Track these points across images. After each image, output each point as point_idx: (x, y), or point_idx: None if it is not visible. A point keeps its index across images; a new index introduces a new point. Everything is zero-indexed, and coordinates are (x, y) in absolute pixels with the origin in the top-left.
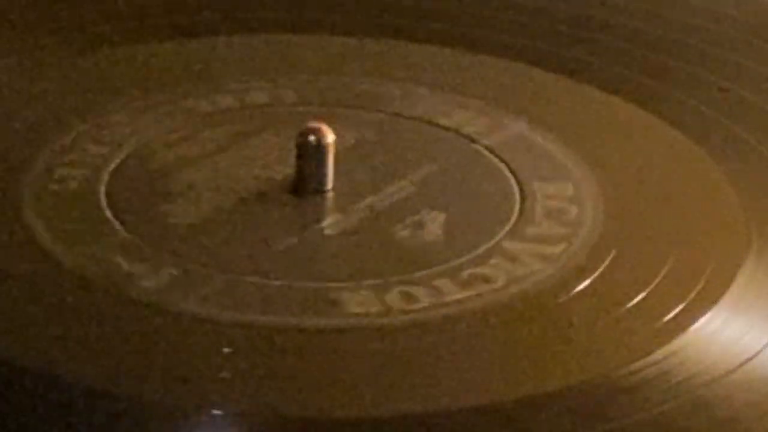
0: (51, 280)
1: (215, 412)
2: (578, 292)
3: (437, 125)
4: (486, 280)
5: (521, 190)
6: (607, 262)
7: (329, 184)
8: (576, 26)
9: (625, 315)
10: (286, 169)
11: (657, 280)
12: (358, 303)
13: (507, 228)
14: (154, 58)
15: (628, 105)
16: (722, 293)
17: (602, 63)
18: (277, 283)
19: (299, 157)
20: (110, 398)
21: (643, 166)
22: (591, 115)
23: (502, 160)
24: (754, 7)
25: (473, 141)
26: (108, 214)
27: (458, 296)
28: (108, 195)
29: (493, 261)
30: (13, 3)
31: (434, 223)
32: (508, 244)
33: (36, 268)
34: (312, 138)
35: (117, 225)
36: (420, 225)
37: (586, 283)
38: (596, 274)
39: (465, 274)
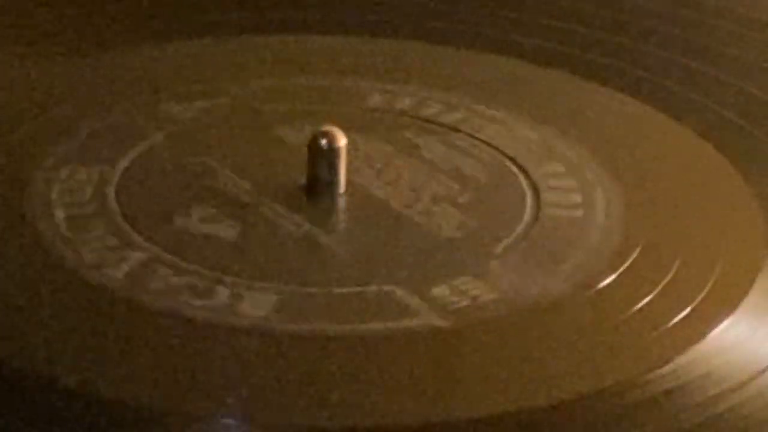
0: (65, 287)
1: (228, 421)
2: (592, 299)
3: (448, 126)
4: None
5: (534, 191)
6: (623, 268)
7: (342, 188)
8: (594, 27)
9: (641, 322)
10: (298, 173)
11: (674, 287)
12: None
13: (518, 230)
14: (160, 59)
15: (644, 106)
16: (740, 300)
17: (618, 63)
18: (303, 288)
19: (311, 160)
20: (130, 409)
21: (659, 169)
22: (605, 117)
23: (513, 161)
24: None
25: (483, 142)
26: (121, 221)
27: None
28: (119, 201)
29: (501, 266)
30: (14, 6)
31: (450, 222)
32: (522, 247)
33: (49, 275)
34: (324, 141)
35: (131, 232)
36: (438, 224)
37: (601, 290)
38: (612, 280)
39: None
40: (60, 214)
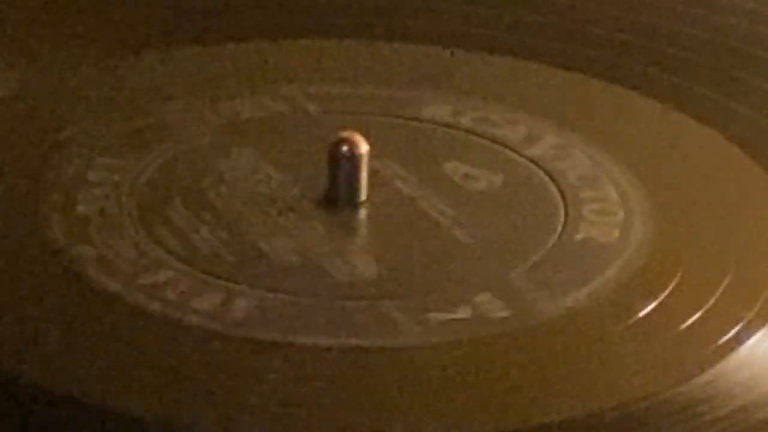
0: (95, 306)
1: None
2: (628, 312)
3: (476, 134)
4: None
5: (568, 204)
6: (657, 281)
7: (363, 196)
8: (624, 32)
9: (676, 335)
10: (317, 180)
11: (709, 300)
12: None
13: (550, 243)
14: (174, 66)
15: (681, 115)
16: None
17: (650, 70)
18: (321, 299)
19: (332, 168)
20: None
21: (696, 180)
22: (640, 127)
23: (547, 172)
24: None
25: (506, 147)
26: (139, 228)
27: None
28: (139, 216)
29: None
30: (22, 14)
31: (475, 235)
32: (552, 262)
33: (64, 283)
34: (345, 148)
35: (149, 240)
36: (461, 237)
37: (637, 303)
38: (647, 293)
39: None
40: (78, 220)
